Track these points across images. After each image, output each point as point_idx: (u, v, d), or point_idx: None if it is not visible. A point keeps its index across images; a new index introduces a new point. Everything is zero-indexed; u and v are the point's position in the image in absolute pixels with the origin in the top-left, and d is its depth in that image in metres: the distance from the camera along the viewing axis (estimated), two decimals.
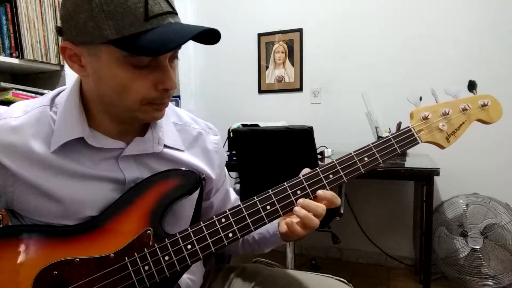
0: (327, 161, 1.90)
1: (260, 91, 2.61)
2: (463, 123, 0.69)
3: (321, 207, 0.62)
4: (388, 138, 0.67)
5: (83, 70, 0.57)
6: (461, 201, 1.97)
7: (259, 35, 2.57)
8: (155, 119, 0.62)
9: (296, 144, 1.57)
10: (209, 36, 0.56)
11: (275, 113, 2.54)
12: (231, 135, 1.96)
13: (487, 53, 2.04)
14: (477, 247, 1.87)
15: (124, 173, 0.63)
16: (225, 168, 0.81)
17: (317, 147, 1.64)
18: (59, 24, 0.57)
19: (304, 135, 1.54)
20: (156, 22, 0.52)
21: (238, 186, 1.87)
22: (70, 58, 0.57)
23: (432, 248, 1.87)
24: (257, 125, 2.07)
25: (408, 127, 0.69)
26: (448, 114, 0.69)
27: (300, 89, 2.49)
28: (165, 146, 0.67)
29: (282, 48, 2.52)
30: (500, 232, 1.86)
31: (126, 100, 0.56)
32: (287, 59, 2.51)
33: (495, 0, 2.01)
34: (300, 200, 0.63)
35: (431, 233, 1.66)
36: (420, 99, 0.72)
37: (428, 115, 0.68)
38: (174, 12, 0.55)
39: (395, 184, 2.27)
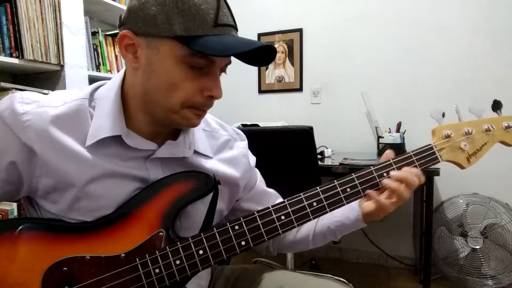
0: (327, 161, 1.91)
1: (260, 91, 2.61)
2: (486, 144, 0.68)
3: (413, 175, 0.63)
4: (409, 155, 0.66)
5: (136, 61, 0.58)
6: (461, 201, 1.97)
7: (259, 35, 2.57)
8: (191, 125, 0.62)
9: (296, 144, 1.56)
10: (263, 57, 0.59)
11: (275, 113, 2.54)
12: None
13: (487, 53, 2.04)
14: (477, 247, 1.87)
15: (150, 174, 0.63)
16: (256, 169, 0.82)
17: (317, 147, 1.64)
18: (123, 16, 0.58)
19: (304, 135, 1.54)
20: (222, 30, 0.55)
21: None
22: (125, 48, 0.58)
23: (432, 248, 1.86)
24: (257, 125, 2.07)
25: (430, 144, 0.67)
26: (471, 133, 0.67)
27: (300, 89, 2.49)
28: (195, 152, 0.67)
29: (282, 48, 2.52)
30: (500, 232, 1.86)
31: (171, 98, 0.57)
32: (287, 59, 2.51)
33: (497, 1, 2.01)
34: (392, 173, 0.64)
35: (431, 233, 1.66)
36: (443, 115, 0.69)
37: (451, 133, 0.67)
38: (236, 28, 0.59)
39: None
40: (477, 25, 2.05)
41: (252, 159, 0.80)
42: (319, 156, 1.98)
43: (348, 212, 0.70)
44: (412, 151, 0.67)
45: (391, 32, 2.24)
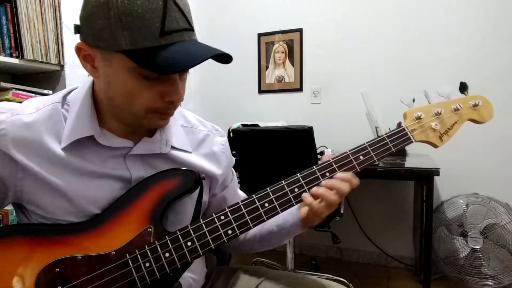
0: None
1: (260, 91, 2.61)
2: (456, 122, 0.72)
3: (342, 183, 0.65)
4: (383, 137, 0.69)
5: (95, 71, 0.58)
6: (461, 201, 1.97)
7: (259, 35, 2.57)
8: (159, 126, 0.64)
9: (296, 144, 1.57)
10: (220, 57, 0.57)
11: (275, 113, 2.54)
12: (231, 135, 1.96)
13: (486, 53, 2.04)
14: (477, 247, 1.87)
15: (131, 172, 0.64)
16: (233, 168, 0.83)
17: (317, 147, 1.64)
18: (78, 23, 0.58)
19: (304, 135, 1.54)
20: (170, 38, 0.53)
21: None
22: (84, 58, 0.58)
23: (432, 248, 1.86)
24: (257, 125, 2.07)
25: (402, 126, 0.71)
26: (440, 114, 0.71)
27: (300, 89, 2.49)
28: (173, 147, 0.68)
29: (282, 48, 2.52)
30: (500, 232, 1.86)
31: (132, 107, 0.57)
32: (287, 59, 2.51)
33: (494, 1, 2.01)
34: (323, 182, 0.65)
35: (431, 233, 1.66)
36: (413, 100, 0.74)
37: (421, 115, 0.71)
38: (190, 29, 0.56)
39: (395, 184, 2.27)
40: (477, 25, 2.05)
41: (230, 159, 0.80)
42: (319, 156, 1.98)
43: (287, 216, 0.71)
44: (385, 134, 0.70)
45: (392, 32, 2.24)
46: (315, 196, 0.65)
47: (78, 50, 0.58)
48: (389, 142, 0.69)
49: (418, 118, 0.71)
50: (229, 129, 2.10)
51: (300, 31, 2.46)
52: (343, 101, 2.38)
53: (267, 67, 2.57)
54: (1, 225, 1.35)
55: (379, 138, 0.69)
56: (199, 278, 0.75)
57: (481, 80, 2.05)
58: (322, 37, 2.41)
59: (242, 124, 2.11)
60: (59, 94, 0.65)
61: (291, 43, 2.49)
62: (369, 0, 2.27)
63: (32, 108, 0.61)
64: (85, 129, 0.60)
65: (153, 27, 0.51)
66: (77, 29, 0.58)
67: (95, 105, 0.63)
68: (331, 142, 2.32)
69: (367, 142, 0.69)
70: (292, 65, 2.50)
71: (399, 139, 0.69)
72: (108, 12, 0.51)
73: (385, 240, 2.32)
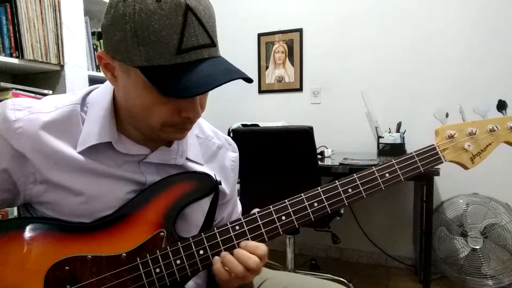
0: (327, 161, 1.91)
1: (260, 91, 2.61)
2: (490, 144, 0.67)
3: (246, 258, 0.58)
4: (412, 155, 0.66)
5: (115, 80, 0.57)
6: (461, 201, 1.97)
7: (259, 35, 2.57)
8: (176, 139, 0.63)
9: (296, 144, 1.57)
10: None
11: (275, 113, 2.54)
12: (231, 135, 1.97)
13: (487, 53, 2.04)
14: (477, 247, 1.87)
15: (146, 176, 0.63)
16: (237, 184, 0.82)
17: (317, 147, 1.64)
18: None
19: (304, 135, 1.54)
20: (187, 57, 0.50)
21: (238, 186, 1.87)
22: (105, 66, 0.57)
23: (432, 248, 1.86)
24: (257, 125, 2.07)
25: (433, 145, 0.67)
26: (475, 134, 0.67)
27: (300, 89, 2.49)
28: (187, 159, 0.67)
29: (282, 48, 2.52)
30: (500, 232, 1.86)
31: (148, 120, 0.56)
32: (287, 59, 2.51)
33: (495, 1, 2.01)
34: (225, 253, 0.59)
35: (431, 233, 1.67)
36: (447, 116, 0.70)
37: (454, 133, 0.66)
38: (211, 45, 0.53)
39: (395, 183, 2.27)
40: (476, 24, 2.05)
41: (237, 177, 0.79)
42: (319, 156, 1.98)
43: None
44: (415, 152, 0.66)
45: (391, 32, 2.24)
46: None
47: (99, 58, 0.56)
48: (418, 161, 0.65)
49: (451, 136, 0.66)
50: (229, 129, 2.10)
51: (300, 31, 2.46)
52: (343, 101, 2.38)
53: (267, 67, 2.57)
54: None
55: (408, 156, 0.65)
56: (202, 282, 0.74)
57: (482, 79, 2.05)
58: (322, 37, 2.41)
59: (242, 124, 2.11)
60: (79, 94, 0.63)
61: (291, 43, 2.49)
62: (369, 0, 2.27)
63: (50, 107, 0.60)
64: (103, 135, 0.59)
65: (170, 44, 0.49)
66: (100, 37, 0.57)
67: (115, 110, 0.62)
68: (331, 142, 2.32)
69: (394, 160, 0.65)
70: (292, 65, 2.50)
71: (429, 158, 0.65)
72: (125, 25, 0.49)
73: (385, 240, 2.32)
